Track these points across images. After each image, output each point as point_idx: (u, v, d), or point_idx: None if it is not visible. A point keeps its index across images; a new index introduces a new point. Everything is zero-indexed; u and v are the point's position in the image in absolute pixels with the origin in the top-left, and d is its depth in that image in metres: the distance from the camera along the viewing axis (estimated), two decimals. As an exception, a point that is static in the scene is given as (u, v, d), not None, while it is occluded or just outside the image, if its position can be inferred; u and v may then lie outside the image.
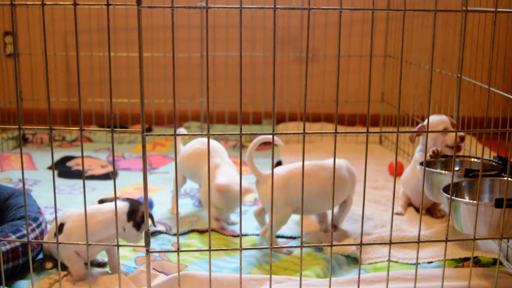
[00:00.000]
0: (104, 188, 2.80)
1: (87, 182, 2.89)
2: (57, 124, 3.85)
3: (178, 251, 1.52)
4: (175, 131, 1.50)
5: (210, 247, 1.50)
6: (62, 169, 3.10)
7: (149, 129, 3.81)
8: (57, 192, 2.73)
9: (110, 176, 2.99)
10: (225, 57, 3.83)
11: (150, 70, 3.76)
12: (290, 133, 1.52)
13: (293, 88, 3.93)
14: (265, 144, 3.68)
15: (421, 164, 2.25)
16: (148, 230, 1.52)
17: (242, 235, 2.29)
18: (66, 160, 3.25)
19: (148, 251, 1.53)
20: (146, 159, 1.63)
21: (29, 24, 3.63)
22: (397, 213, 2.52)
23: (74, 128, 1.52)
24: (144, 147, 1.49)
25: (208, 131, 1.48)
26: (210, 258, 1.52)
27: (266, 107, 3.91)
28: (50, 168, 3.11)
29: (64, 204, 2.56)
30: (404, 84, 3.48)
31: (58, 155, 3.32)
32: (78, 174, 3.01)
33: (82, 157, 1.51)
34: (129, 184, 2.85)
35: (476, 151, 2.59)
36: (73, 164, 3.17)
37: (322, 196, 2.11)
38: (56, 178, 2.94)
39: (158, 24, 3.73)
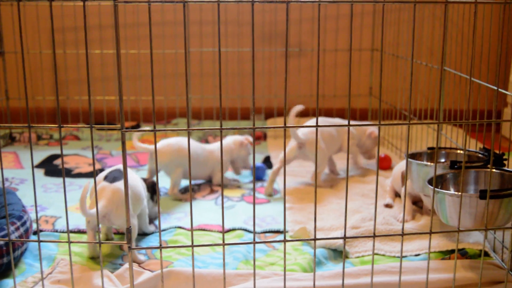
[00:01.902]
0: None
1: (74, 180, 2.88)
2: (44, 122, 3.83)
3: (160, 247, 1.51)
4: (154, 127, 1.49)
5: (192, 243, 1.49)
6: (49, 167, 3.08)
7: (137, 126, 3.79)
8: (44, 191, 2.72)
9: (97, 174, 2.97)
10: (212, 53, 3.82)
11: (137, 66, 3.74)
12: (271, 127, 1.51)
13: (281, 83, 3.92)
14: (258, 139, 3.68)
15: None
16: (129, 227, 1.51)
17: (230, 229, 2.28)
18: (53, 159, 3.23)
19: (130, 248, 1.52)
20: (126, 156, 1.63)
21: (13, 22, 3.60)
22: (387, 206, 2.51)
23: (53, 125, 1.50)
24: (123, 143, 1.48)
25: (188, 126, 1.47)
26: (192, 254, 1.50)
27: (255, 103, 3.90)
28: (36, 167, 3.09)
29: (51, 203, 2.54)
30: (391, 77, 3.48)
31: (45, 154, 3.30)
32: (65, 173, 2.98)
33: (62, 155, 1.50)
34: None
35: (463, 143, 2.59)
36: (60, 163, 3.15)
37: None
38: (43, 177, 2.93)
39: (147, 20, 3.71)
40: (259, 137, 3.70)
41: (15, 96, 3.69)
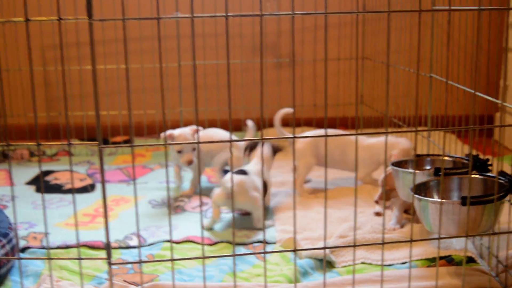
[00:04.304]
0: (82, 201, 2.78)
1: (64, 196, 2.88)
2: (37, 138, 3.83)
3: (140, 262, 1.51)
4: (132, 143, 1.49)
5: (172, 257, 1.49)
6: (40, 183, 3.08)
7: (128, 141, 3.80)
8: (34, 207, 2.72)
9: (88, 189, 2.98)
10: (203, 65, 3.83)
11: (140, 80, 3.74)
12: (249, 139, 1.52)
13: (272, 94, 3.93)
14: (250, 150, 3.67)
15: (393, 164, 2.25)
16: (109, 242, 1.52)
17: (216, 242, 2.28)
18: (44, 175, 3.23)
19: (110, 263, 1.52)
20: (103, 171, 1.62)
21: (5, 40, 3.62)
22: (377, 214, 2.51)
23: (31, 143, 1.51)
24: (101, 159, 1.48)
25: (165, 141, 1.47)
26: (173, 267, 1.51)
27: (245, 114, 3.91)
28: (28, 183, 3.10)
29: (40, 219, 2.54)
30: (381, 85, 3.49)
31: (37, 170, 3.31)
32: (56, 189, 2.99)
33: (41, 173, 1.51)
34: (107, 196, 2.84)
35: (450, 149, 2.59)
36: (51, 179, 3.15)
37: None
38: (34, 193, 2.93)
39: (135, 35, 3.73)
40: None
41: (7, 113, 3.71)
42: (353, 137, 2.82)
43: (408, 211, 2.46)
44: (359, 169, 2.89)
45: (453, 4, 2.27)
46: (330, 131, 2.94)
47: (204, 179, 3.12)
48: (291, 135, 2.74)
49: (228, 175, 2.40)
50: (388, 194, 2.43)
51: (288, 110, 2.82)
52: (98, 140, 1.48)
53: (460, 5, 2.39)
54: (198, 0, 3.74)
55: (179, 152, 2.70)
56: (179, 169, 2.95)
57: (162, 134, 2.70)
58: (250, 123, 3.03)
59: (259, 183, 2.42)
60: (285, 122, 3.82)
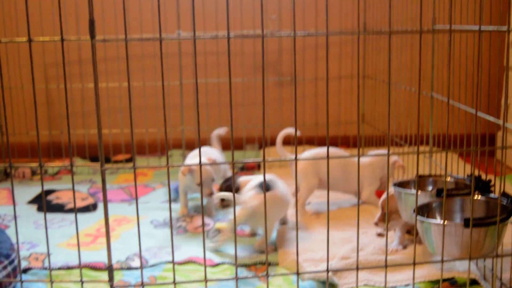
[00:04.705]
0: (84, 221, 2.78)
1: (66, 216, 2.87)
2: (40, 157, 3.83)
3: (142, 285, 1.51)
4: (134, 164, 1.49)
5: (174, 280, 1.48)
6: (42, 203, 3.08)
7: (130, 160, 3.80)
8: (35, 227, 2.71)
9: (90, 208, 2.98)
10: (204, 84, 3.84)
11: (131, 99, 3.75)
12: (250, 161, 1.51)
13: (273, 113, 3.93)
14: (248, 170, 3.67)
15: (395, 184, 2.24)
16: (111, 265, 1.51)
17: (218, 263, 2.27)
18: (46, 194, 3.23)
19: (112, 287, 1.51)
20: (106, 193, 1.62)
21: (8, 58, 3.63)
22: (379, 235, 2.50)
23: (33, 164, 1.51)
24: (103, 181, 1.48)
25: (167, 163, 1.47)
26: (175, 290, 1.50)
27: (247, 133, 3.91)
28: (30, 202, 3.09)
29: (42, 239, 2.53)
30: (382, 104, 3.49)
31: (38, 189, 3.30)
32: (57, 208, 2.99)
33: (43, 191, 1.50)
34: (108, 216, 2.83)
35: (453, 169, 2.58)
36: (53, 198, 3.15)
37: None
38: (36, 213, 2.93)
39: (137, 53, 3.74)
40: (253, 167, 3.70)
41: (9, 131, 3.71)
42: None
43: (410, 231, 2.45)
44: (363, 188, 2.89)
45: (454, 23, 2.28)
46: (332, 150, 2.93)
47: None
48: (292, 156, 2.75)
49: (250, 193, 2.39)
50: (388, 216, 2.41)
51: (290, 131, 2.83)
52: (101, 161, 1.47)
53: (460, 24, 2.40)
54: (200, 18, 3.76)
55: (199, 184, 2.71)
56: (186, 192, 2.91)
57: (181, 169, 2.73)
58: (215, 132, 3.06)
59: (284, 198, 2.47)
60: (287, 141, 3.83)
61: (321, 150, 2.89)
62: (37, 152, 3.83)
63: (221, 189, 2.53)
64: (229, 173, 3.07)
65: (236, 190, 2.49)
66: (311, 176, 2.82)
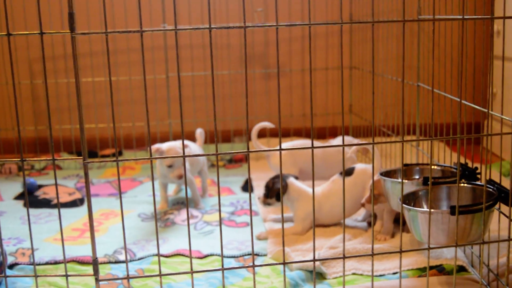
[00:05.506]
0: (71, 216, 2.76)
1: (53, 211, 2.86)
2: (25, 153, 3.81)
3: (128, 277, 1.50)
4: (116, 157, 1.48)
5: (160, 272, 1.48)
6: (29, 198, 3.06)
7: (119, 153, 3.78)
8: (22, 223, 2.70)
9: (77, 203, 2.96)
10: (190, 77, 3.82)
11: (117, 93, 3.74)
12: (234, 152, 1.51)
13: (261, 104, 3.93)
14: (236, 162, 3.67)
15: (381, 174, 2.25)
16: (96, 258, 1.50)
17: (207, 255, 2.27)
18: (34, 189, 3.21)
19: (97, 280, 1.51)
20: (89, 186, 1.61)
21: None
22: (362, 204, 2.50)
23: (15, 159, 1.50)
24: (86, 174, 1.47)
25: (151, 155, 1.46)
26: (161, 282, 1.49)
27: (235, 125, 3.90)
28: (16, 198, 3.07)
29: (28, 234, 2.51)
30: (370, 95, 3.49)
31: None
32: (44, 203, 2.97)
33: (25, 187, 1.49)
34: (95, 211, 2.82)
35: (439, 157, 2.59)
36: (40, 193, 3.13)
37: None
38: (22, 208, 2.91)
39: (123, 47, 3.72)
40: (241, 159, 3.69)
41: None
42: (334, 148, 2.83)
43: (397, 220, 2.45)
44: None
45: (438, 13, 2.28)
46: (308, 142, 2.94)
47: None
48: (271, 148, 2.75)
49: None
50: (376, 198, 2.41)
51: (265, 124, 2.82)
52: (83, 155, 1.46)
53: (445, 13, 2.40)
54: (185, 11, 3.74)
55: (170, 166, 2.68)
56: (166, 185, 2.90)
57: (149, 148, 2.68)
58: (198, 130, 3.05)
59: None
60: (274, 133, 3.82)
61: (298, 142, 2.91)
62: (23, 147, 3.81)
63: (268, 185, 2.48)
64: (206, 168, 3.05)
65: (284, 189, 2.47)
66: (290, 166, 2.81)
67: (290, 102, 3.89)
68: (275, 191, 2.43)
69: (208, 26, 1.43)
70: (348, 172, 2.47)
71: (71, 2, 1.42)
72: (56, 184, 1.49)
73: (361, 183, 2.45)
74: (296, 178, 2.52)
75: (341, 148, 2.85)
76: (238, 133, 3.92)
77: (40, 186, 3.23)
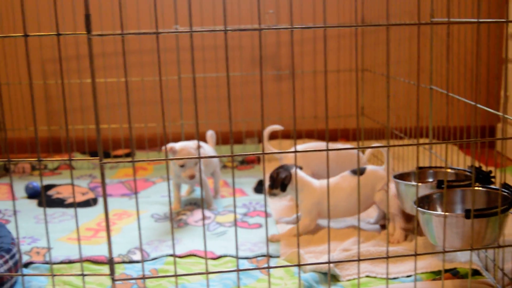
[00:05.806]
0: (84, 215, 2.78)
1: (67, 210, 2.87)
2: (38, 152, 3.83)
3: (143, 277, 1.51)
4: (133, 158, 1.49)
5: (175, 273, 1.48)
6: (42, 198, 3.08)
7: (130, 154, 3.80)
8: (36, 222, 2.71)
9: (90, 203, 2.98)
10: (202, 78, 3.83)
11: (129, 94, 3.75)
12: (249, 154, 1.51)
13: (272, 106, 3.93)
14: (248, 163, 3.67)
15: (395, 176, 2.25)
16: (112, 258, 1.51)
17: (221, 256, 2.27)
18: (47, 189, 3.23)
19: (113, 279, 1.52)
20: (105, 186, 1.62)
21: (5, 54, 3.63)
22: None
23: (32, 159, 1.51)
24: (103, 175, 1.48)
25: (166, 156, 1.47)
26: (176, 283, 1.50)
27: (247, 126, 3.91)
28: (29, 198, 3.09)
29: (42, 234, 2.54)
30: (382, 97, 3.49)
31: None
32: (58, 203, 2.99)
33: (42, 186, 1.50)
34: (109, 211, 2.82)
35: (453, 161, 2.58)
36: (54, 193, 3.15)
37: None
38: (36, 208, 2.93)
39: (135, 48, 3.74)
40: (253, 161, 3.70)
41: (8, 127, 3.71)
42: (350, 150, 2.82)
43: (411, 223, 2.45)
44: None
45: (452, 15, 2.28)
46: (320, 144, 2.94)
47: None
48: (276, 150, 2.74)
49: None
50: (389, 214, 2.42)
51: (275, 127, 2.83)
52: (99, 155, 1.47)
53: (459, 16, 2.39)
54: (197, 13, 3.76)
55: (182, 166, 2.68)
56: (179, 185, 2.91)
57: (163, 147, 2.69)
58: (209, 132, 3.05)
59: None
60: (286, 135, 3.83)
61: (311, 145, 2.91)
62: (37, 147, 3.83)
63: (272, 176, 2.50)
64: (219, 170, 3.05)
65: (288, 179, 2.47)
66: (303, 168, 2.80)
67: (302, 103, 3.88)
68: (279, 181, 2.43)
69: (223, 28, 1.44)
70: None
71: (88, 4, 1.43)
72: (72, 184, 1.50)
73: (370, 184, 2.44)
74: (300, 168, 2.52)
75: (354, 151, 2.85)
76: (250, 134, 3.93)
77: (52, 186, 3.25)
